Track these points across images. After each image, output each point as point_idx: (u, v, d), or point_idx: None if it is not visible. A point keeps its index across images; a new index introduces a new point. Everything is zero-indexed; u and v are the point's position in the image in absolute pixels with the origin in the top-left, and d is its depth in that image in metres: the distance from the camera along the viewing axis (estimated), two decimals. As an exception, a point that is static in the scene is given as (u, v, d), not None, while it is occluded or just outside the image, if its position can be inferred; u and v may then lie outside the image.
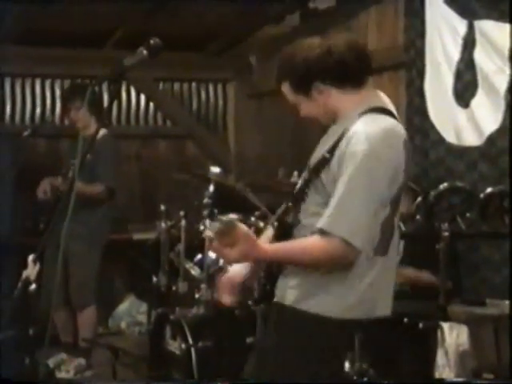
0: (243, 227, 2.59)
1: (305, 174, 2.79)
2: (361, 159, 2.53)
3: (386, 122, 2.65)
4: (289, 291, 2.72)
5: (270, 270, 2.81)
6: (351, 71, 2.70)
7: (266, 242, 2.79)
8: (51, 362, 5.32)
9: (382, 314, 2.74)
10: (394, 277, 2.81)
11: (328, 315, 2.63)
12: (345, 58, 2.67)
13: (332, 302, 2.65)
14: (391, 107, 2.77)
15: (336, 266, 2.61)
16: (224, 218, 2.66)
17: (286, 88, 2.78)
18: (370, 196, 2.54)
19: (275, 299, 2.77)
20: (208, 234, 2.68)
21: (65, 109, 5.75)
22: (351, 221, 2.52)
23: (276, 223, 2.91)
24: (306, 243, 2.63)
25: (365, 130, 2.58)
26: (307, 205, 2.72)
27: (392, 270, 2.79)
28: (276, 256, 2.69)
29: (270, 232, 2.96)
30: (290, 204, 2.81)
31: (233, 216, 2.60)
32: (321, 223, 2.55)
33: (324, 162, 2.65)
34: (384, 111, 2.69)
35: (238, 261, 2.69)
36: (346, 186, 2.54)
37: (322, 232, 2.55)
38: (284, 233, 2.79)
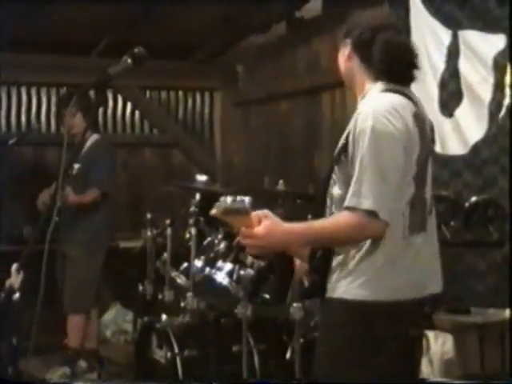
0: (263, 211, 2.61)
1: (331, 161, 2.79)
2: (369, 135, 2.56)
3: (392, 98, 2.67)
4: (331, 283, 2.70)
5: (316, 266, 2.78)
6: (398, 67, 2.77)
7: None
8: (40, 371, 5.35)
9: (433, 291, 2.75)
10: (438, 252, 2.81)
11: (369, 299, 2.61)
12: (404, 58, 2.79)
13: (369, 284, 2.62)
14: (411, 93, 2.78)
15: (366, 239, 2.60)
16: (233, 198, 2.54)
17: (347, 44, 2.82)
18: (384, 168, 2.56)
19: (327, 295, 2.73)
20: (214, 211, 2.58)
21: (60, 115, 5.76)
22: (372, 193, 2.53)
23: (310, 215, 2.91)
24: (335, 219, 2.64)
25: (370, 106, 2.63)
26: (334, 189, 2.74)
27: (435, 246, 2.79)
28: (307, 233, 2.66)
29: None
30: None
31: (241, 197, 2.49)
32: (345, 202, 2.57)
33: (343, 148, 2.68)
34: (397, 91, 2.71)
35: (263, 241, 2.61)
36: (361, 163, 2.56)
37: (348, 209, 2.56)
38: None
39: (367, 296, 2.63)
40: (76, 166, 5.15)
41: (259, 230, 2.58)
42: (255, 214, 2.60)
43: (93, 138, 5.43)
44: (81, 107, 5.41)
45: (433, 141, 2.86)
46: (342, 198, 2.66)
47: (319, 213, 2.81)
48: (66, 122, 5.57)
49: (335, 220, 2.65)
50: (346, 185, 2.66)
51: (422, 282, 2.72)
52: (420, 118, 2.72)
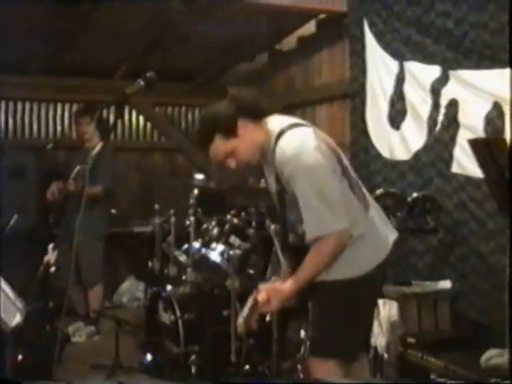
0: (262, 289, 2.67)
1: (277, 207, 2.75)
2: (297, 174, 2.52)
3: (296, 134, 2.61)
4: (329, 270, 2.66)
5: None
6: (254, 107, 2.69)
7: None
8: (70, 328, 5.33)
9: (392, 239, 2.75)
10: (381, 211, 2.82)
11: (354, 275, 2.62)
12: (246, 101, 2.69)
13: (353, 263, 2.62)
14: (293, 119, 2.72)
15: (343, 247, 2.57)
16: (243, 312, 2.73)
17: (217, 144, 2.69)
18: (321, 190, 2.51)
19: (320, 278, 2.69)
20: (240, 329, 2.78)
21: (77, 123, 5.73)
22: (323, 218, 2.50)
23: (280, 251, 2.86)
24: (308, 262, 2.59)
25: (286, 152, 2.55)
26: (296, 223, 2.70)
27: (378, 209, 2.80)
28: (298, 283, 2.63)
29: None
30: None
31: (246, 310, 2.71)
32: (308, 237, 2.55)
33: (281, 193, 2.64)
34: (291, 126, 2.65)
35: (279, 307, 2.70)
36: (302, 198, 2.53)
37: (314, 241, 2.54)
38: (289, 251, 2.79)
39: (353, 273, 2.62)
40: (87, 166, 5.09)
41: (272, 305, 2.65)
42: (262, 290, 2.67)
43: (100, 145, 5.38)
44: (95, 119, 5.41)
45: (332, 142, 2.75)
46: (299, 221, 2.63)
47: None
48: (81, 129, 5.57)
49: (312, 259, 2.59)
50: (297, 211, 2.62)
51: (385, 241, 2.72)
52: (321, 136, 2.67)
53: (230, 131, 2.64)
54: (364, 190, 2.77)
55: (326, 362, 2.69)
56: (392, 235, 2.78)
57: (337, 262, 2.61)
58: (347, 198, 2.62)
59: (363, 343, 2.85)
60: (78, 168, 5.25)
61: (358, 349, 2.78)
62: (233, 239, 4.36)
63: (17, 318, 2.94)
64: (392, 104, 4.70)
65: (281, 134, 2.61)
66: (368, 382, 3.14)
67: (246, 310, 2.71)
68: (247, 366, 4.19)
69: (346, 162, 2.73)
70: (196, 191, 4.73)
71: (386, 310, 3.69)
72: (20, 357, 4.00)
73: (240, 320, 2.76)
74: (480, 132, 3.89)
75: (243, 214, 4.71)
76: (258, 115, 2.68)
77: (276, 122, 2.69)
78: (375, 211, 2.76)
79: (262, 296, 2.66)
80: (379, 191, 4.12)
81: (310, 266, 2.60)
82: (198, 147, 2.77)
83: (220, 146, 2.68)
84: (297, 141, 2.57)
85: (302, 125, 2.68)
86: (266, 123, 2.69)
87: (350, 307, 2.65)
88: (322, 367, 2.71)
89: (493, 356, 3.17)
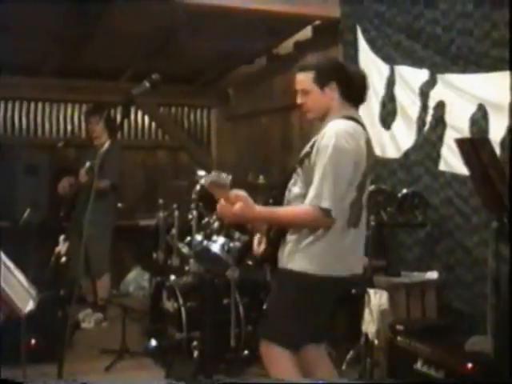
0: (241, 192, 2.60)
1: (295, 163, 2.77)
2: (329, 151, 2.55)
3: (350, 124, 2.66)
4: (284, 256, 2.70)
5: (271, 239, 2.78)
6: (357, 91, 2.76)
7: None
8: (80, 315, 5.34)
9: (357, 272, 2.75)
10: (363, 243, 2.81)
11: (310, 272, 2.62)
12: (359, 83, 2.76)
13: (313, 261, 2.63)
14: (361, 119, 2.77)
15: (312, 227, 2.60)
16: (219, 173, 2.55)
17: (306, 77, 2.74)
18: (339, 178, 2.55)
19: (280, 265, 2.73)
20: (203, 182, 2.60)
21: (87, 122, 5.73)
22: (330, 196, 2.53)
23: (271, 200, 2.88)
24: (297, 209, 2.63)
25: (334, 129, 2.61)
26: (292, 186, 2.73)
27: (362, 239, 2.79)
28: (270, 216, 2.67)
29: None
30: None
31: (226, 175, 2.52)
32: (308, 200, 2.57)
33: (307, 154, 2.67)
34: (353, 119, 2.70)
35: (236, 217, 2.61)
36: (323, 171, 2.55)
37: (310, 205, 2.56)
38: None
39: (309, 269, 2.63)
40: (96, 161, 5.09)
41: (235, 209, 2.57)
42: (234, 192, 2.59)
43: (108, 142, 5.37)
44: (104, 118, 5.41)
45: (373, 158, 2.82)
46: (299, 194, 2.67)
47: (278, 199, 2.79)
48: (91, 128, 5.57)
49: (296, 210, 2.64)
50: (305, 184, 2.65)
51: (351, 264, 2.73)
52: (369, 142, 2.72)
53: (328, 87, 2.71)
54: (364, 215, 2.77)
55: (271, 346, 2.69)
56: (358, 267, 2.78)
57: (304, 254, 2.64)
58: (346, 203, 2.63)
59: (310, 336, 2.80)
60: (88, 164, 5.28)
61: (300, 341, 2.75)
62: (232, 232, 4.37)
63: (30, 305, 2.94)
64: (383, 105, 4.69)
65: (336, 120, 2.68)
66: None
67: (213, 176, 2.56)
68: (246, 351, 4.21)
69: (368, 181, 2.75)
70: (198, 187, 4.73)
71: (377, 298, 3.69)
72: (33, 341, 4.02)
73: (202, 181, 2.63)
74: (466, 132, 3.89)
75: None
76: (349, 98, 2.76)
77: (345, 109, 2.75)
78: (359, 235, 2.76)
79: (229, 195, 2.59)
80: (371, 188, 4.12)
81: (289, 214, 2.65)
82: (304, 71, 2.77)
83: (313, 89, 2.73)
84: (348, 128, 2.63)
85: (360, 124, 2.73)
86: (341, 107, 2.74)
87: (299, 300, 2.66)
88: (267, 350, 2.71)
89: (475, 342, 3.19)
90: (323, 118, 2.75)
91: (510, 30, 3.44)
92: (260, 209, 2.64)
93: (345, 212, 2.63)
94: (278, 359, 2.68)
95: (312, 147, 2.66)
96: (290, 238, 2.69)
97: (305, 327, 2.71)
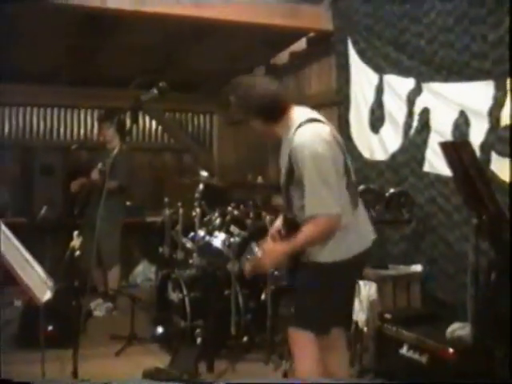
0: (263, 247, 2.71)
1: (282, 182, 2.77)
2: (308, 159, 2.55)
3: (314, 128, 2.65)
4: (308, 253, 2.70)
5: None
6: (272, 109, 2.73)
7: (278, 229, 2.86)
8: (92, 304, 5.34)
9: (372, 237, 2.80)
10: (366, 213, 2.85)
11: (332, 260, 2.64)
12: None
13: (333, 250, 2.64)
14: (315, 115, 2.76)
15: (332, 232, 2.61)
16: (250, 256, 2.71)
17: (256, 123, 2.77)
18: (325, 177, 2.56)
19: (304, 260, 2.74)
20: (247, 267, 2.78)
21: (99, 127, 5.74)
22: (323, 199, 2.54)
23: (282, 217, 2.92)
24: (305, 232, 2.62)
25: (302, 139, 2.60)
26: (294, 200, 2.72)
27: (363, 209, 2.82)
28: (292, 247, 2.67)
29: (279, 222, 2.97)
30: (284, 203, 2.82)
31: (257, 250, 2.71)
32: (306, 213, 2.58)
33: (290, 172, 2.66)
34: (312, 120, 2.69)
35: (272, 267, 2.81)
36: (308, 180, 2.56)
37: (310, 217, 2.57)
38: (288, 222, 2.82)
39: (332, 258, 2.65)
40: (108, 162, 5.10)
41: (265, 263, 2.72)
42: (259, 256, 2.72)
43: (119, 146, 5.37)
44: (115, 123, 5.42)
45: (342, 143, 2.80)
46: (300, 205, 2.67)
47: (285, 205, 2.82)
48: (103, 133, 5.57)
49: (306, 232, 2.61)
50: (300, 196, 2.65)
51: (367, 235, 2.77)
52: (336, 136, 2.73)
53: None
54: (358, 192, 2.81)
55: (301, 333, 2.71)
56: (371, 235, 2.82)
57: (323, 247, 2.64)
58: (343, 192, 2.65)
59: (336, 320, 2.85)
60: (100, 165, 5.29)
61: (329, 324, 2.78)
62: (233, 228, 4.39)
63: (47, 295, 2.96)
64: (372, 111, 4.69)
65: (300, 125, 2.65)
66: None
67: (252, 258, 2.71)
68: (245, 338, 4.22)
69: (350, 164, 2.76)
70: (201, 186, 4.75)
71: (366, 289, 3.69)
72: (50, 327, 4.05)
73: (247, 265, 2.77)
74: (448, 136, 3.90)
75: (242, 206, 4.74)
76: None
77: (299, 113, 2.74)
78: (361, 212, 2.79)
79: (260, 252, 2.70)
80: (361, 187, 4.14)
81: (303, 236, 2.63)
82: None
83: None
84: (313, 132, 2.62)
85: (320, 121, 2.72)
86: (292, 112, 2.73)
87: (325, 287, 2.68)
88: (298, 337, 2.73)
89: (456, 329, 3.20)
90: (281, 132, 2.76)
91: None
92: (282, 249, 2.70)
93: (346, 198, 2.65)
94: (306, 344, 2.71)
95: (290, 163, 2.64)
96: None
97: (333, 310, 2.75)
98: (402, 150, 4.42)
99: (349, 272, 2.73)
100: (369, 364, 3.62)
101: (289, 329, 2.77)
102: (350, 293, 2.88)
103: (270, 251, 2.70)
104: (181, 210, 4.95)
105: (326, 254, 2.65)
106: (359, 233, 2.72)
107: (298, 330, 2.73)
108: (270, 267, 2.71)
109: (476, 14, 3.67)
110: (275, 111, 2.72)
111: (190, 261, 4.62)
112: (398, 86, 4.39)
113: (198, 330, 4.10)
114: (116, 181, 5.19)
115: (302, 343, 2.72)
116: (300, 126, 2.65)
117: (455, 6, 3.85)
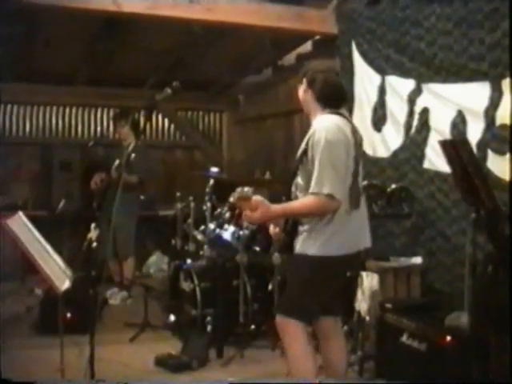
0: (259, 198, 2.64)
1: (296, 161, 2.79)
2: (323, 143, 2.58)
3: (335, 118, 2.69)
4: (299, 244, 2.72)
5: (287, 231, 2.79)
6: (330, 96, 2.79)
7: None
8: (108, 293, 5.38)
9: (366, 245, 2.80)
10: (367, 222, 2.84)
11: (321, 255, 2.65)
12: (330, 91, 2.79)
13: (323, 245, 2.65)
14: (345, 113, 2.80)
15: (321, 213, 2.63)
16: (242, 189, 2.62)
17: (299, 86, 2.87)
18: (335, 164, 2.57)
19: (296, 251, 2.75)
20: (231, 199, 2.69)
21: (115, 125, 5.76)
22: (329, 182, 2.55)
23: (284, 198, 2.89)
24: (303, 200, 2.65)
25: (321, 124, 2.65)
26: (298, 180, 2.74)
27: (365, 217, 2.82)
28: (284, 212, 2.69)
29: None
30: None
31: (248, 188, 2.61)
32: (311, 189, 2.59)
33: (304, 152, 2.69)
34: (338, 114, 2.74)
35: (260, 219, 2.68)
36: (320, 162, 2.58)
37: (312, 194, 2.58)
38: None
39: (321, 252, 2.65)
40: (124, 158, 5.11)
41: (257, 214, 2.62)
42: (254, 200, 2.63)
43: (134, 143, 5.39)
44: (130, 121, 5.44)
45: (361, 146, 2.85)
46: (304, 187, 2.68)
47: (287, 194, 2.81)
48: (118, 131, 5.58)
49: (304, 202, 2.64)
50: (306, 178, 2.67)
51: (359, 240, 2.76)
52: (355, 131, 2.74)
53: (308, 93, 2.84)
54: (363, 198, 2.79)
55: (287, 320, 2.72)
56: (365, 242, 2.80)
57: (314, 241, 2.66)
58: (346, 186, 2.65)
59: (322, 311, 2.84)
60: (117, 161, 5.31)
61: (313, 314, 2.78)
62: (242, 222, 4.39)
63: (66, 284, 2.99)
64: (375, 111, 4.68)
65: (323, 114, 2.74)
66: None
67: (240, 192, 2.63)
68: (253, 326, 4.24)
69: (361, 168, 2.76)
70: (211, 182, 4.77)
71: (368, 280, 3.69)
72: (69, 315, 4.08)
73: (231, 198, 2.72)
74: (447, 134, 3.89)
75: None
76: (325, 101, 2.80)
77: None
78: (360, 216, 2.77)
79: (252, 204, 2.64)
80: (364, 183, 4.14)
81: (299, 204, 2.66)
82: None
83: (301, 96, 2.89)
84: (331, 121, 2.67)
85: (343, 115, 2.76)
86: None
87: (311, 279, 2.68)
88: (285, 324, 2.73)
89: (454, 318, 3.20)
90: (313, 116, 2.81)
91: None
92: (275, 207, 2.67)
93: (346, 196, 2.65)
94: (292, 331, 2.71)
95: (307, 144, 2.67)
96: (303, 228, 2.72)
97: (317, 301, 2.75)
98: (403, 147, 4.41)
99: (336, 268, 2.72)
100: (370, 351, 3.62)
101: (276, 316, 2.77)
102: (337, 286, 2.85)
103: (263, 205, 2.65)
104: (192, 204, 4.96)
105: (316, 248, 2.66)
106: (353, 235, 2.71)
107: (283, 317, 2.74)
108: (260, 220, 2.69)
109: (474, 19, 3.66)
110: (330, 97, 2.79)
111: (201, 252, 4.63)
112: (400, 86, 4.38)
113: (208, 318, 4.12)
114: (135, 175, 5.20)
115: (289, 330, 2.72)
116: (323, 114, 2.73)
117: (454, 11, 3.84)
